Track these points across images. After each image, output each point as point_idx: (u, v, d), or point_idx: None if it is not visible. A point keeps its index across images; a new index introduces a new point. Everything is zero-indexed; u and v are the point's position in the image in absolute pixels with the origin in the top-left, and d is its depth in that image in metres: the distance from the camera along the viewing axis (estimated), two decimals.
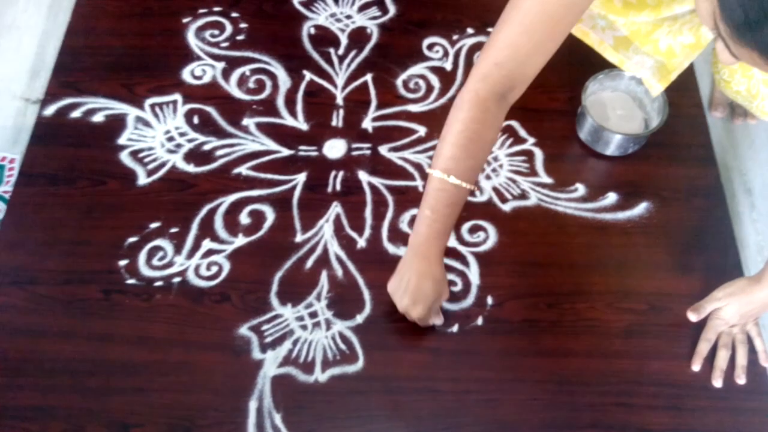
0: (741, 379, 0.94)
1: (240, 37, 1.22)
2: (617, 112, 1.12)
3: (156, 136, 1.12)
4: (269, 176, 1.08)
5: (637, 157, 1.11)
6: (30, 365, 0.93)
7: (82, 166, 1.08)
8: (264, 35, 1.22)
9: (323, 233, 1.03)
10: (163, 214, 1.04)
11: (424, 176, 1.07)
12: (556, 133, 1.13)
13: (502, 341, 0.96)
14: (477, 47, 1.22)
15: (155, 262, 1.00)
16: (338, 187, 1.08)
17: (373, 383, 0.93)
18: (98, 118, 1.13)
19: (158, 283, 0.99)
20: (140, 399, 0.91)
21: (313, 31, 1.23)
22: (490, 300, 0.99)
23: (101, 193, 1.06)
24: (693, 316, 0.94)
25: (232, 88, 1.17)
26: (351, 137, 1.12)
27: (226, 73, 1.18)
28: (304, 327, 0.96)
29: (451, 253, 1.02)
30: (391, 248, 1.02)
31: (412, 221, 0.98)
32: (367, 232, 1.04)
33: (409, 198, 1.06)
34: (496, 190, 1.08)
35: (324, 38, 1.22)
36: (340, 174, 1.09)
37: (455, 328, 0.96)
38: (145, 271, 1.00)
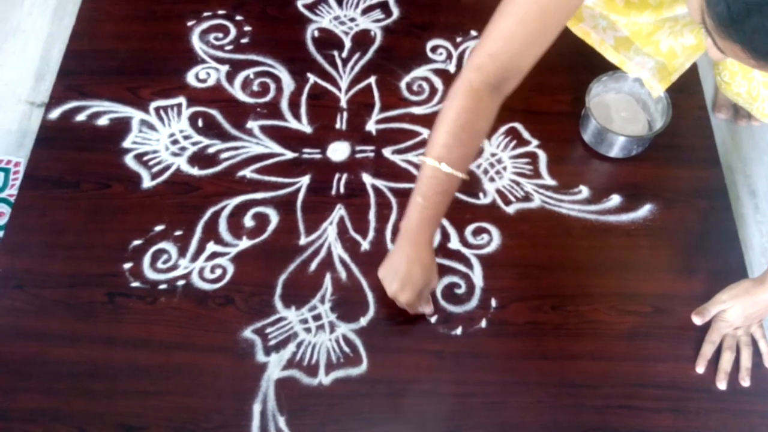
0: (745, 382, 0.93)
1: (244, 41, 1.22)
2: (621, 114, 1.12)
3: (160, 139, 1.12)
4: (273, 179, 1.08)
5: (641, 159, 1.11)
6: (34, 368, 0.93)
7: (86, 169, 1.09)
8: (268, 38, 1.23)
9: (327, 236, 1.04)
10: (168, 217, 1.04)
11: None
12: (559, 135, 1.13)
13: (506, 344, 0.96)
14: None
15: (159, 265, 1.01)
16: (342, 189, 1.08)
17: (377, 386, 0.93)
18: (103, 121, 1.13)
19: (162, 286, 0.99)
20: (144, 402, 0.91)
21: (316, 34, 1.24)
22: (493, 302, 0.99)
23: (106, 196, 1.06)
24: (697, 320, 0.94)
25: (236, 91, 1.17)
26: (355, 140, 1.12)
27: (230, 76, 1.18)
28: (308, 330, 0.96)
29: (454, 255, 1.02)
30: None
31: None
32: (371, 234, 1.04)
33: None
34: (499, 192, 1.08)
35: (328, 41, 1.23)
36: (344, 177, 1.09)
37: (459, 331, 0.96)
38: (150, 274, 1.00)
